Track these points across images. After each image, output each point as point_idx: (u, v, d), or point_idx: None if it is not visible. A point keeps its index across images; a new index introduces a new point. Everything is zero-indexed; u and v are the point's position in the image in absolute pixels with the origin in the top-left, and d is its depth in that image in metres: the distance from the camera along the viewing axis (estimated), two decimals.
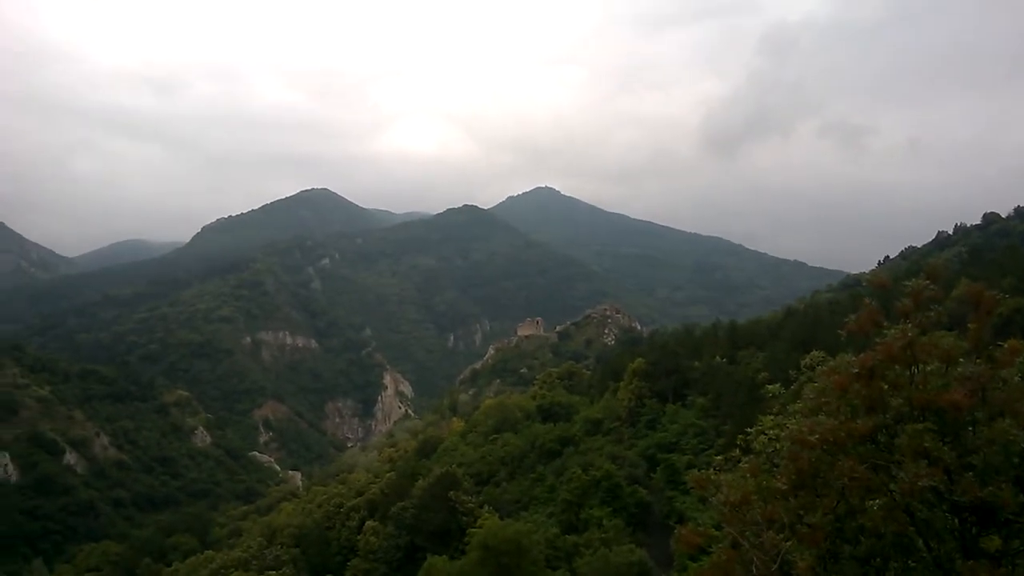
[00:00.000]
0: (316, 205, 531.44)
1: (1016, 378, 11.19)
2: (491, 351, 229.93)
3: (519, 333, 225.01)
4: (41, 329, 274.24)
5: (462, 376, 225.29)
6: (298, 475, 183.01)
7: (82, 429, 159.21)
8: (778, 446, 13.88)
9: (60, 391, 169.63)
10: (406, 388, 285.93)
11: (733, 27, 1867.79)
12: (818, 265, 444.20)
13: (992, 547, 10.01)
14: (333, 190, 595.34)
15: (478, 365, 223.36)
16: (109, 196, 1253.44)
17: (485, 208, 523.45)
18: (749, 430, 18.00)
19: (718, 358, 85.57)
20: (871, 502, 10.73)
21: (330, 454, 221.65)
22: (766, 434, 15.69)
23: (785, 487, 11.56)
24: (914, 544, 10.90)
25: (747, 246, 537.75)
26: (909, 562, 11.00)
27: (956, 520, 10.58)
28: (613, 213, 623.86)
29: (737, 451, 17.53)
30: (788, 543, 10.78)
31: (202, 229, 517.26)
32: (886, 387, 11.35)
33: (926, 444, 10.29)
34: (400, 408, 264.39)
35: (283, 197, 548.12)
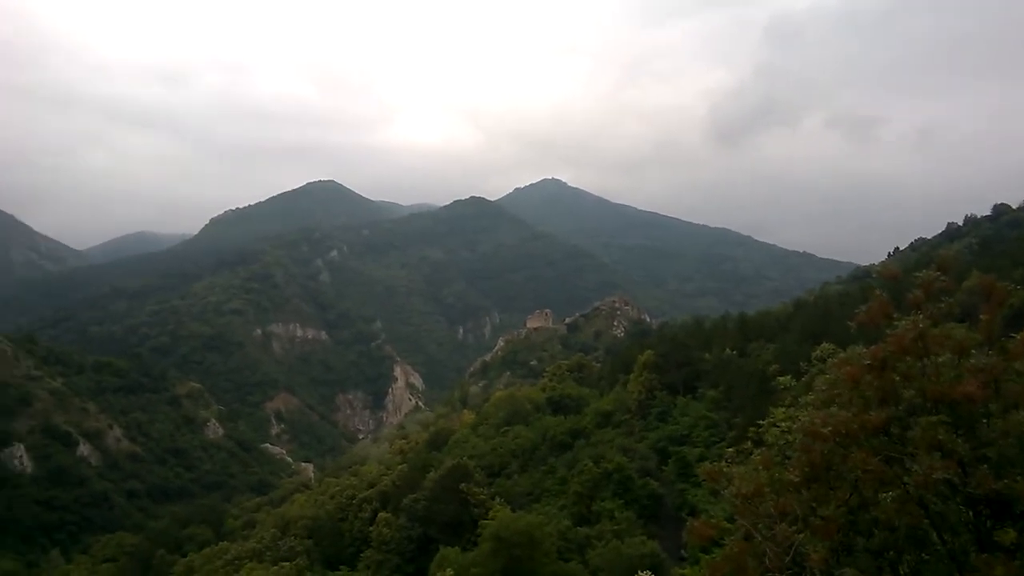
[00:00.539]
0: (323, 197, 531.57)
1: None
2: (500, 343, 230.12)
3: (528, 325, 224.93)
4: (53, 321, 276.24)
5: (472, 368, 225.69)
6: (310, 467, 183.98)
7: (95, 421, 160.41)
8: (790, 438, 13.92)
9: (73, 383, 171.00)
10: (416, 380, 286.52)
11: (740, 17, 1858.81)
12: (827, 257, 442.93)
13: (1007, 540, 10.00)
14: (340, 182, 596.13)
15: (488, 357, 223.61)
16: (118, 188, 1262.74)
17: (492, 200, 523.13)
18: (761, 422, 18.09)
19: (728, 350, 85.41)
20: (884, 495, 10.74)
21: (341, 446, 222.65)
22: (778, 426, 15.77)
23: (798, 479, 11.58)
24: (928, 537, 10.91)
25: (756, 237, 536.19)
26: (923, 555, 11.01)
27: (970, 513, 10.57)
28: (620, 204, 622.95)
29: (749, 443, 17.61)
30: (801, 535, 10.81)
31: (210, 221, 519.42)
32: (898, 379, 11.33)
33: (940, 436, 10.28)
34: (411, 400, 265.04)
35: (290, 189, 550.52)
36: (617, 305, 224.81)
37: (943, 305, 11.77)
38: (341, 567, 68.31)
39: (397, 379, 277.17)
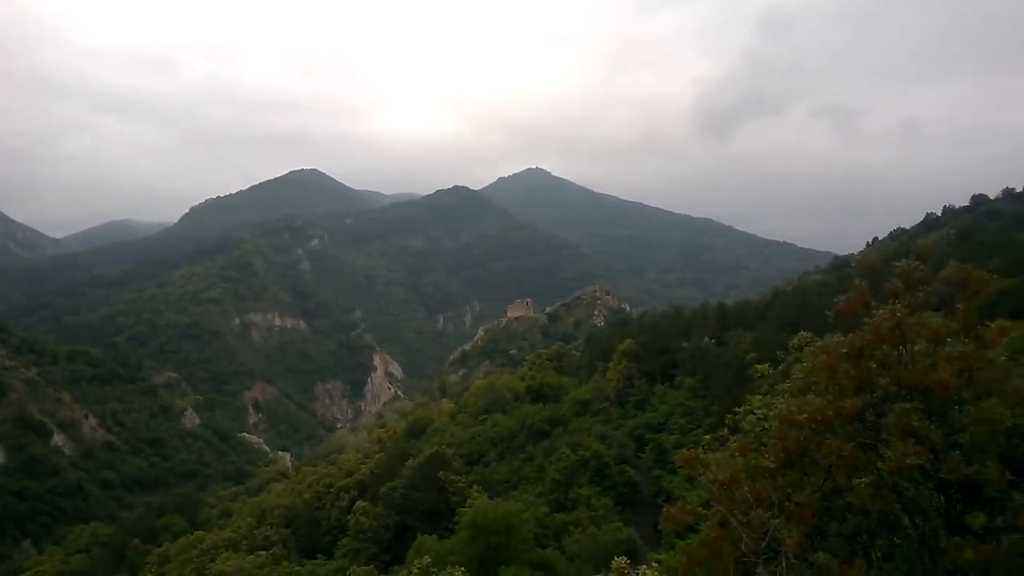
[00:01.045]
0: (305, 186, 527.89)
1: (1003, 358, 11.27)
2: (480, 332, 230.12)
3: (509, 315, 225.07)
4: (28, 310, 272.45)
5: (452, 357, 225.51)
6: (287, 456, 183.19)
7: (70, 411, 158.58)
8: (766, 425, 13.96)
9: (48, 373, 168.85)
10: (396, 369, 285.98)
11: (732, 6, 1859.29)
12: (807, 247, 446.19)
13: (977, 524, 10.12)
14: (322, 170, 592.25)
15: (468, 346, 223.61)
16: (97, 176, 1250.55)
17: (475, 189, 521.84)
18: (737, 410, 18.11)
19: (707, 339, 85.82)
20: (858, 480, 10.81)
21: (319, 435, 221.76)
22: (754, 413, 15.79)
23: (773, 466, 11.63)
24: (900, 521, 11.00)
25: (736, 227, 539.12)
26: (895, 539, 11.12)
27: (942, 498, 10.67)
28: (603, 194, 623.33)
29: (726, 430, 17.64)
30: (776, 521, 10.85)
31: (190, 210, 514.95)
32: (874, 367, 11.39)
33: (913, 423, 10.35)
34: (390, 389, 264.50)
35: (272, 178, 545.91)
36: (598, 294, 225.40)
37: (921, 294, 11.83)
38: (318, 556, 68.23)
39: (376, 368, 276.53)
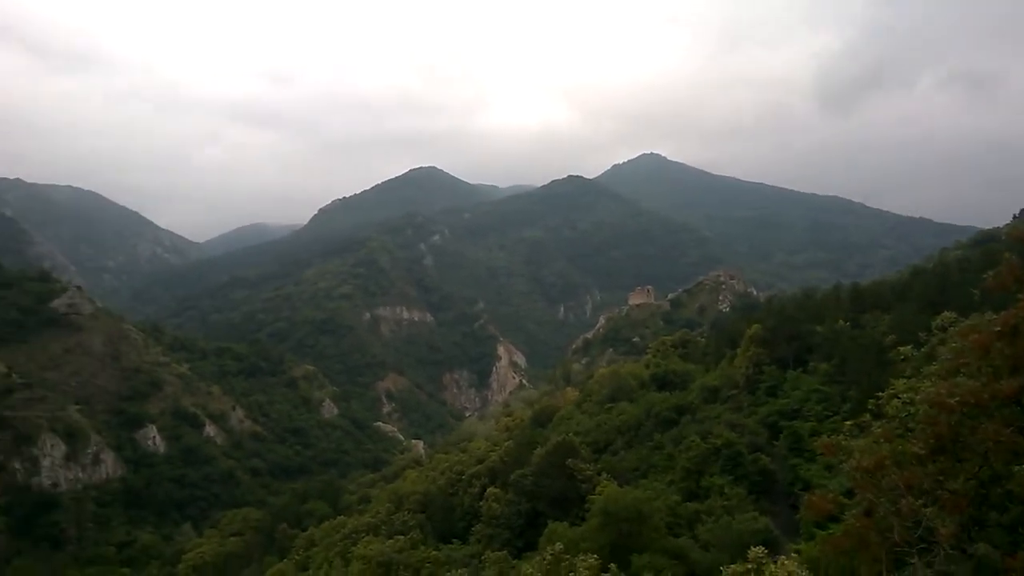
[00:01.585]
0: (424, 183, 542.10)
1: None
2: (602, 321, 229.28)
3: (630, 302, 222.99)
4: (177, 311, 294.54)
5: (574, 346, 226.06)
6: (420, 444, 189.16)
7: (219, 403, 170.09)
8: (913, 410, 13.42)
9: (198, 368, 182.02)
10: (519, 359, 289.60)
11: None
12: (945, 221, 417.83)
13: None
14: (440, 167, 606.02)
15: (590, 335, 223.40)
16: (230, 183, 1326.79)
17: (590, 178, 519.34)
18: (879, 394, 17.46)
19: (841, 322, 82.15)
20: (1019, 468, 10.28)
21: (449, 424, 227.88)
22: (899, 398, 15.18)
23: (923, 452, 11.23)
24: None
25: (867, 204, 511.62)
26: None
27: None
28: (723, 176, 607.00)
29: (868, 416, 17.05)
30: (929, 510, 10.48)
31: (318, 211, 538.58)
32: None
33: None
34: (514, 378, 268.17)
35: (393, 177, 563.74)
36: (722, 279, 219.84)
37: None
38: (453, 541, 70.07)
39: (501, 358, 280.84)
